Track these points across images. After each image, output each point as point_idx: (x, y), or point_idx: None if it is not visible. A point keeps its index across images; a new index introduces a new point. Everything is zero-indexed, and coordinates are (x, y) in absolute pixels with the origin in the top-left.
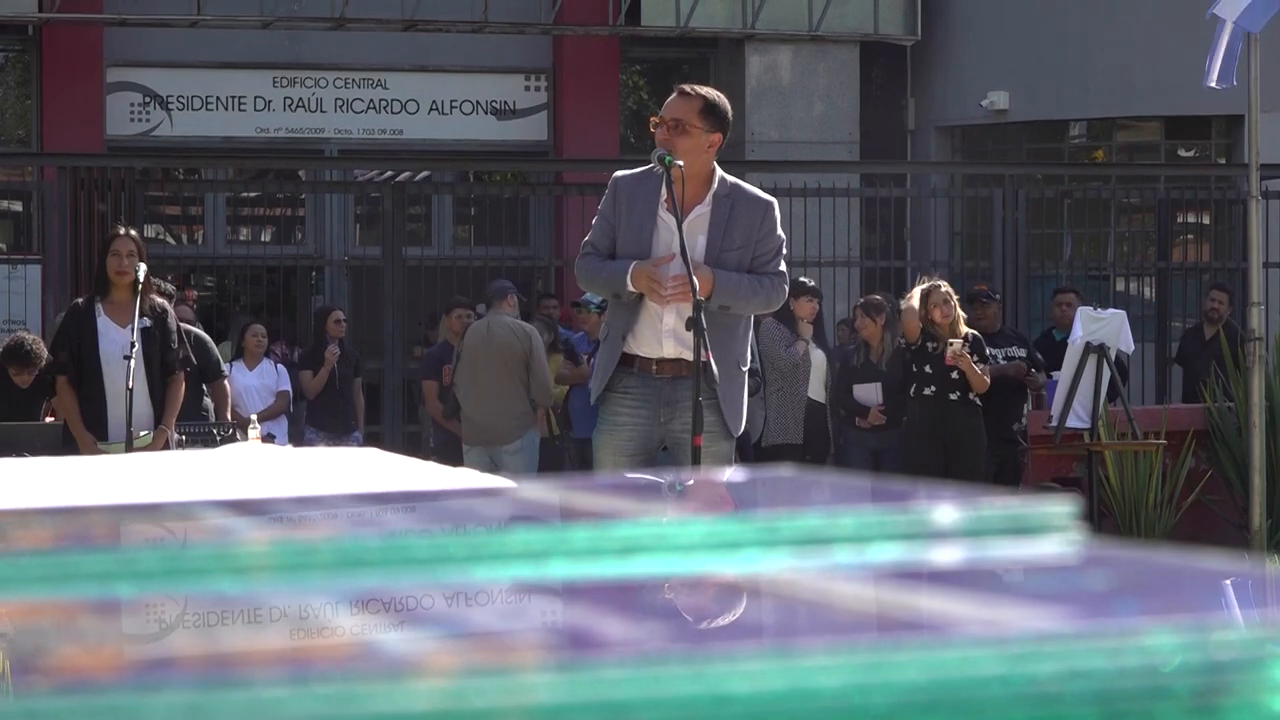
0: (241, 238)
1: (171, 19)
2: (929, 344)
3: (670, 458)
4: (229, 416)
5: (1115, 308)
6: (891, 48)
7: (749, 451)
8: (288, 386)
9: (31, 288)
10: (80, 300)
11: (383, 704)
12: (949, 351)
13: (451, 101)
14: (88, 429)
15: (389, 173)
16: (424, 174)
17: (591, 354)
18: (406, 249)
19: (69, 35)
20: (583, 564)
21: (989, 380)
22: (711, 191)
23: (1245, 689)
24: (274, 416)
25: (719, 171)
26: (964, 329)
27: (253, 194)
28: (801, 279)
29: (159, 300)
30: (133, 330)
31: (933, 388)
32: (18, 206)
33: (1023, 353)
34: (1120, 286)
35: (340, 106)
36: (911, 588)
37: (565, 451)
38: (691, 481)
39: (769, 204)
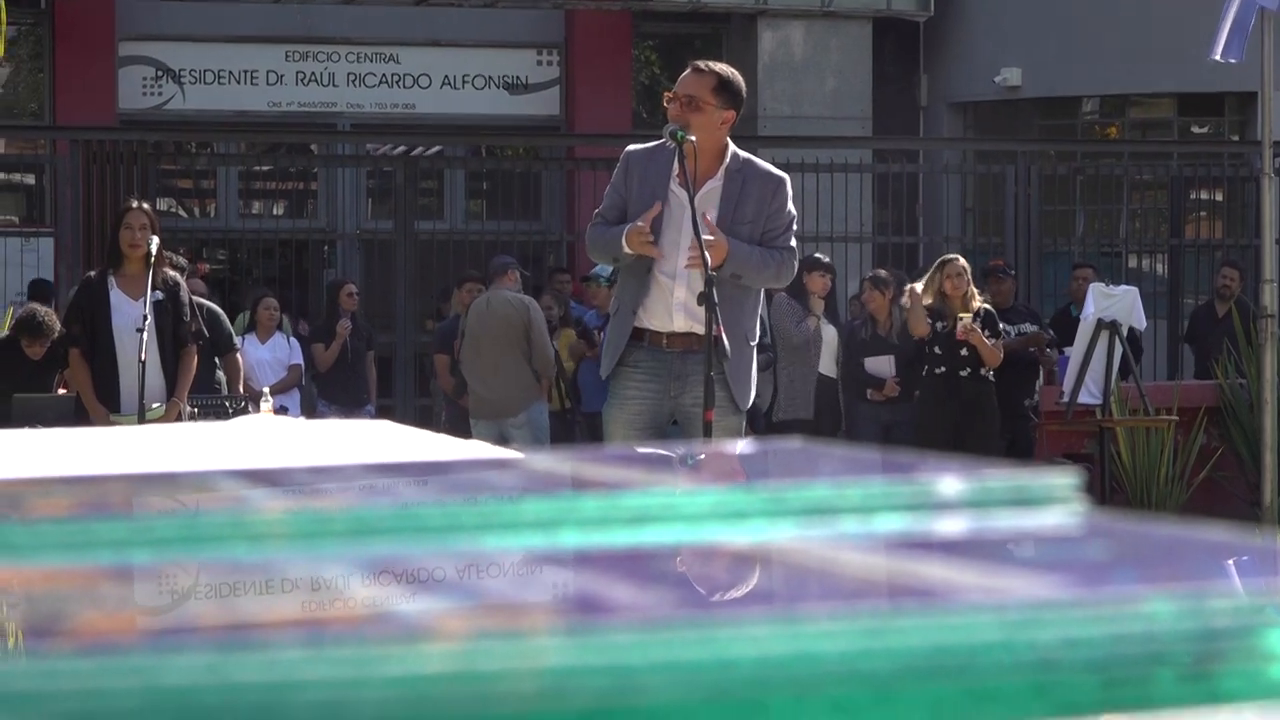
0: (254, 211)
1: None
2: (938, 323)
3: (680, 432)
4: (241, 390)
5: (1127, 284)
6: (904, 24)
7: (760, 426)
8: (300, 360)
9: (44, 260)
10: (93, 273)
11: (395, 667)
12: (959, 326)
13: (464, 76)
14: (100, 401)
15: (401, 147)
16: (436, 148)
17: (602, 328)
18: (419, 223)
19: (81, 9)
20: (592, 533)
21: (1001, 354)
22: (723, 167)
23: (1243, 656)
24: (286, 390)
25: (731, 147)
26: (976, 303)
27: (265, 168)
28: (815, 254)
29: (171, 273)
30: (145, 303)
31: (943, 367)
32: (30, 179)
33: (1034, 328)
34: (1132, 263)
35: (352, 81)
36: (915, 557)
37: (575, 425)
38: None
39: (780, 179)
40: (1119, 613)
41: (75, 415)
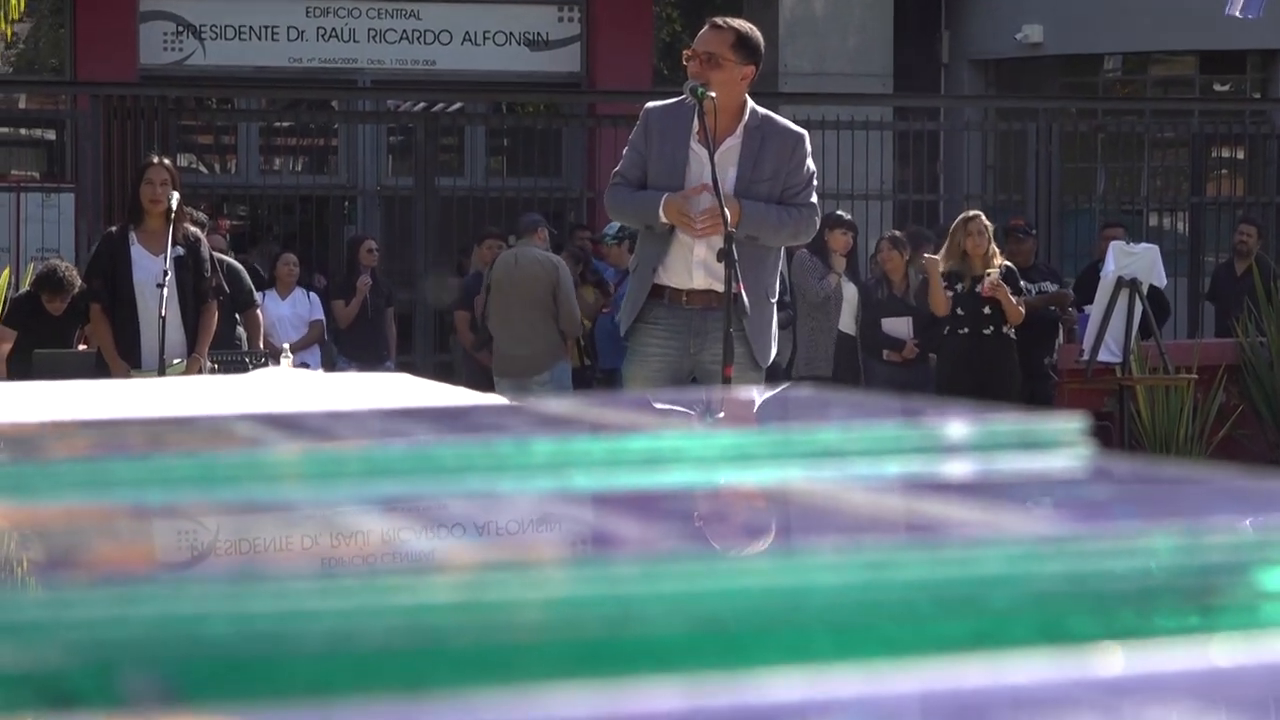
0: (274, 167)
1: None
2: (958, 285)
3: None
4: (261, 345)
5: (1148, 242)
6: None
7: (780, 383)
8: (321, 315)
9: (65, 216)
10: (114, 229)
11: (404, 597)
12: (986, 282)
13: (484, 32)
14: (121, 357)
15: (422, 103)
16: (457, 105)
17: (619, 284)
18: (439, 179)
19: None
20: (602, 475)
21: (1024, 312)
22: (743, 124)
23: (1241, 592)
24: (309, 346)
25: (750, 104)
26: (998, 261)
27: (286, 124)
28: (837, 212)
29: (192, 229)
30: (166, 259)
31: (966, 328)
32: (51, 135)
33: (1054, 287)
34: (1153, 221)
35: (373, 37)
36: (921, 497)
37: (594, 381)
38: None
39: (800, 136)
40: (1119, 548)
41: (96, 370)
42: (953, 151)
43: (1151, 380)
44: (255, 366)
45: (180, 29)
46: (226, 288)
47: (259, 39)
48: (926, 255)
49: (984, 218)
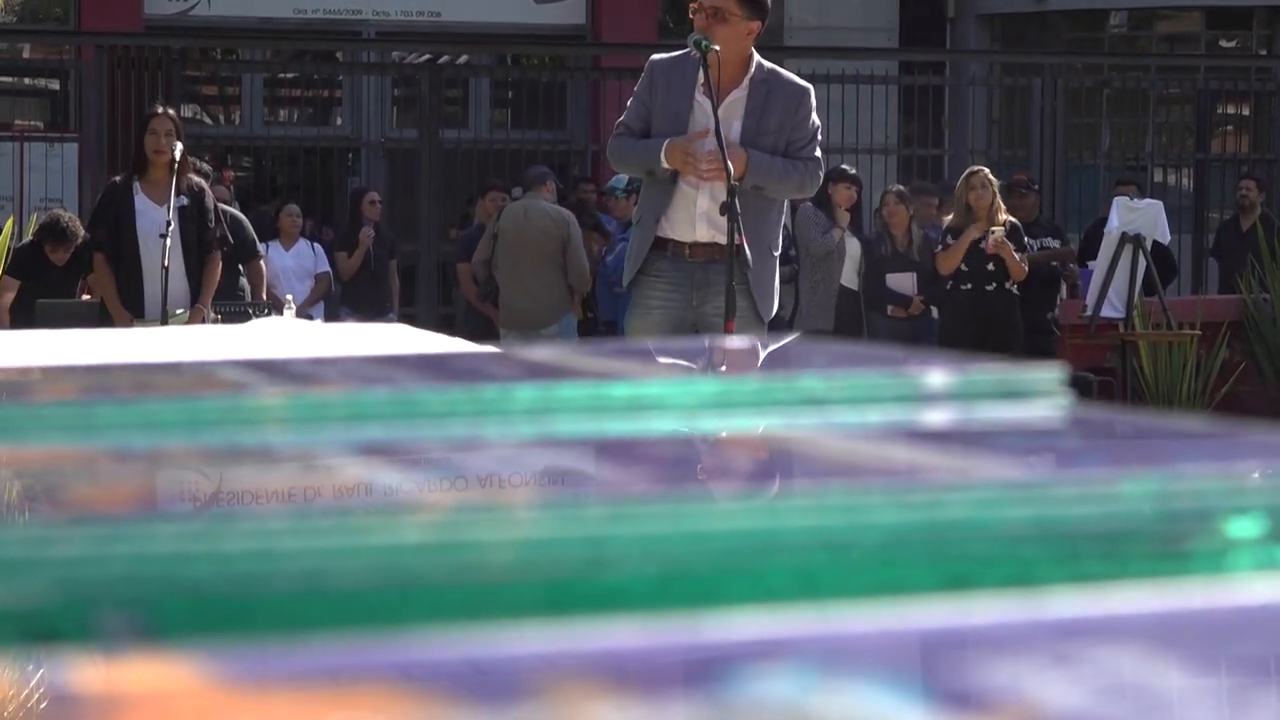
0: (279, 119)
1: None
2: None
3: None
4: (265, 296)
5: (1152, 198)
6: None
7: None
8: (327, 268)
9: (68, 166)
10: (118, 179)
11: (378, 536)
12: (990, 239)
13: None
14: (124, 307)
15: (426, 55)
16: (461, 57)
17: (621, 234)
18: (443, 132)
19: None
20: (583, 421)
21: (1027, 268)
22: (748, 77)
23: (1210, 539)
24: (316, 302)
25: (756, 58)
26: (1002, 216)
27: (290, 75)
28: (842, 166)
29: (196, 179)
30: (169, 209)
31: (969, 284)
32: (55, 85)
33: (1057, 243)
34: (1158, 177)
35: None
36: (897, 444)
37: (599, 333)
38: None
39: (805, 90)
40: (1088, 494)
41: (99, 320)
42: (958, 107)
43: (1154, 336)
44: (258, 317)
45: None
46: (230, 238)
47: None
48: (994, 228)
49: (988, 173)
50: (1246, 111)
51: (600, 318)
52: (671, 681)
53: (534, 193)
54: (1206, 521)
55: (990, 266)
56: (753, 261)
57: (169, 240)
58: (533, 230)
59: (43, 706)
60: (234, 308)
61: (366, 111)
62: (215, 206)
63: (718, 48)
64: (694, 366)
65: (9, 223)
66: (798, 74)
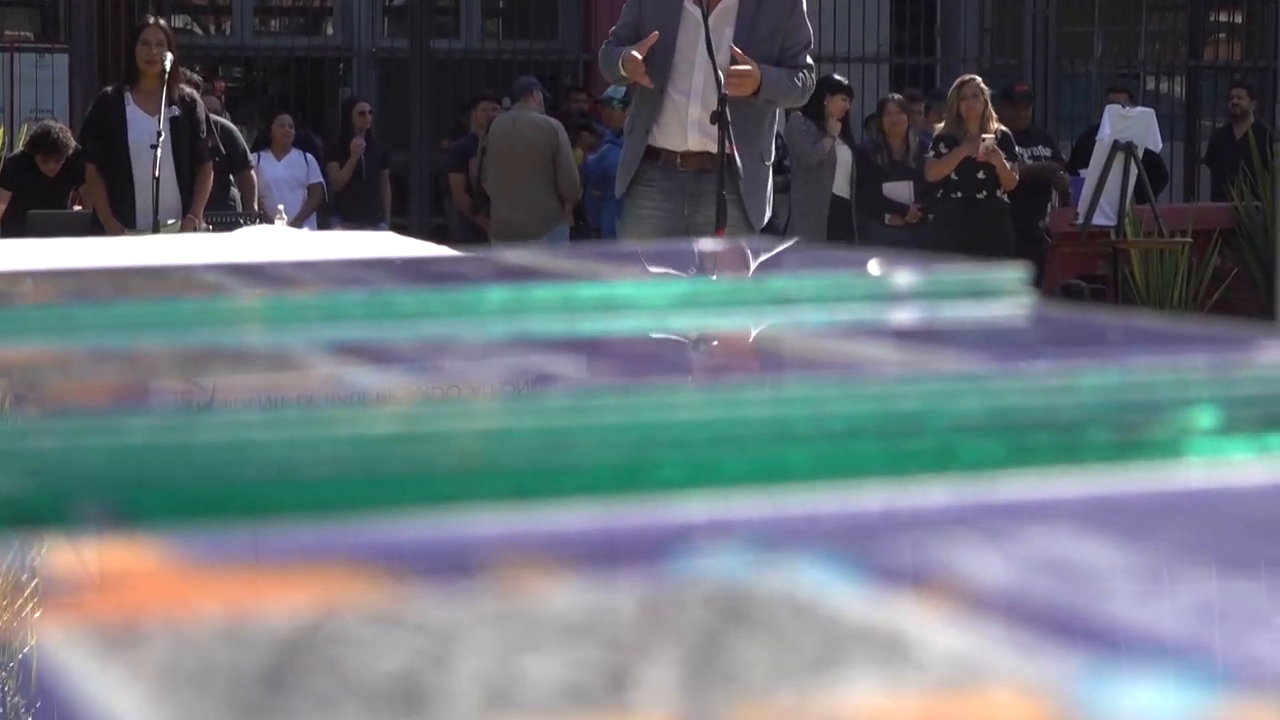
0: (270, 29)
1: None
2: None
3: None
4: (256, 207)
5: (1145, 106)
6: None
7: None
8: (320, 179)
9: (59, 77)
10: (109, 89)
11: (343, 429)
12: (981, 147)
13: None
14: (116, 217)
15: None
16: None
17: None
18: (435, 41)
19: None
20: (552, 320)
21: (1017, 177)
22: None
23: (1163, 428)
24: (310, 213)
25: None
26: (994, 125)
27: None
28: (835, 76)
29: (187, 90)
30: (161, 119)
31: (959, 193)
32: None
33: (1048, 152)
34: (1150, 85)
35: None
36: (857, 341)
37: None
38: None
39: None
40: (1042, 385)
41: (91, 230)
42: (950, 14)
43: (1146, 244)
44: (249, 227)
45: None
46: (221, 149)
47: None
48: (985, 136)
49: (979, 81)
50: (1239, 19)
51: (590, 224)
52: (627, 561)
53: (522, 104)
54: (1159, 413)
55: (980, 175)
56: (744, 170)
57: (160, 151)
58: (521, 141)
59: (23, 589)
60: (225, 218)
61: (358, 21)
62: (207, 117)
63: None
64: (665, 269)
65: (0, 134)
66: None
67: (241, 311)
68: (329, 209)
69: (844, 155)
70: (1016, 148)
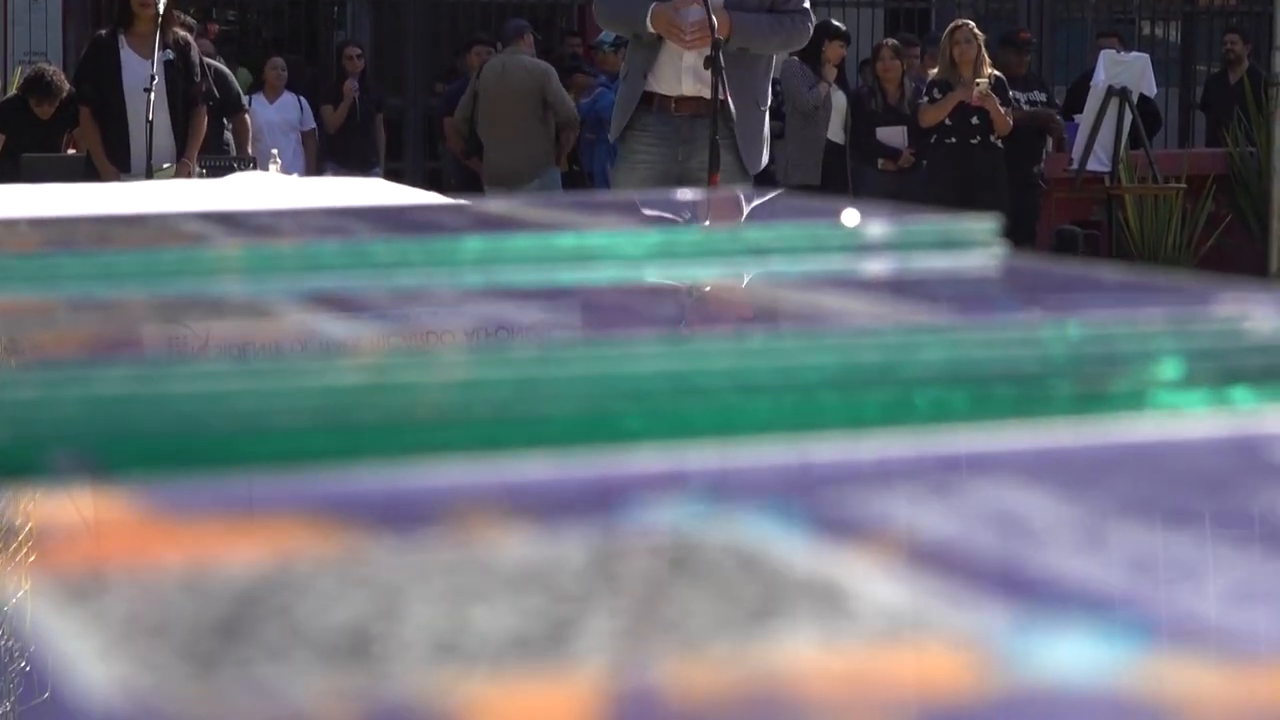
0: None
1: None
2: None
3: None
4: (250, 150)
5: (1139, 51)
6: None
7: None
8: (313, 124)
9: (52, 20)
10: (103, 32)
11: (313, 380)
12: (975, 92)
13: None
14: (110, 161)
15: None
16: None
17: (609, 85)
18: None
19: None
20: (528, 271)
21: (1011, 123)
22: None
23: (1127, 380)
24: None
25: None
26: (987, 70)
27: None
28: (832, 21)
29: (181, 33)
30: (155, 63)
31: (953, 138)
32: None
33: (1043, 97)
34: (1145, 30)
35: None
36: (825, 292)
37: (585, 186)
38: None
39: None
40: (1006, 337)
41: (85, 174)
42: None
43: (1140, 189)
44: (242, 171)
45: None
46: (215, 92)
47: None
48: (979, 80)
49: (973, 26)
50: None
51: (584, 169)
52: (581, 512)
53: (513, 47)
54: (1122, 365)
55: (975, 120)
56: (738, 116)
57: (154, 94)
58: (511, 85)
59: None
60: (219, 162)
61: None
62: (200, 60)
63: None
64: (638, 219)
65: None
66: None
67: (217, 261)
68: (323, 153)
69: (839, 101)
70: (1013, 93)
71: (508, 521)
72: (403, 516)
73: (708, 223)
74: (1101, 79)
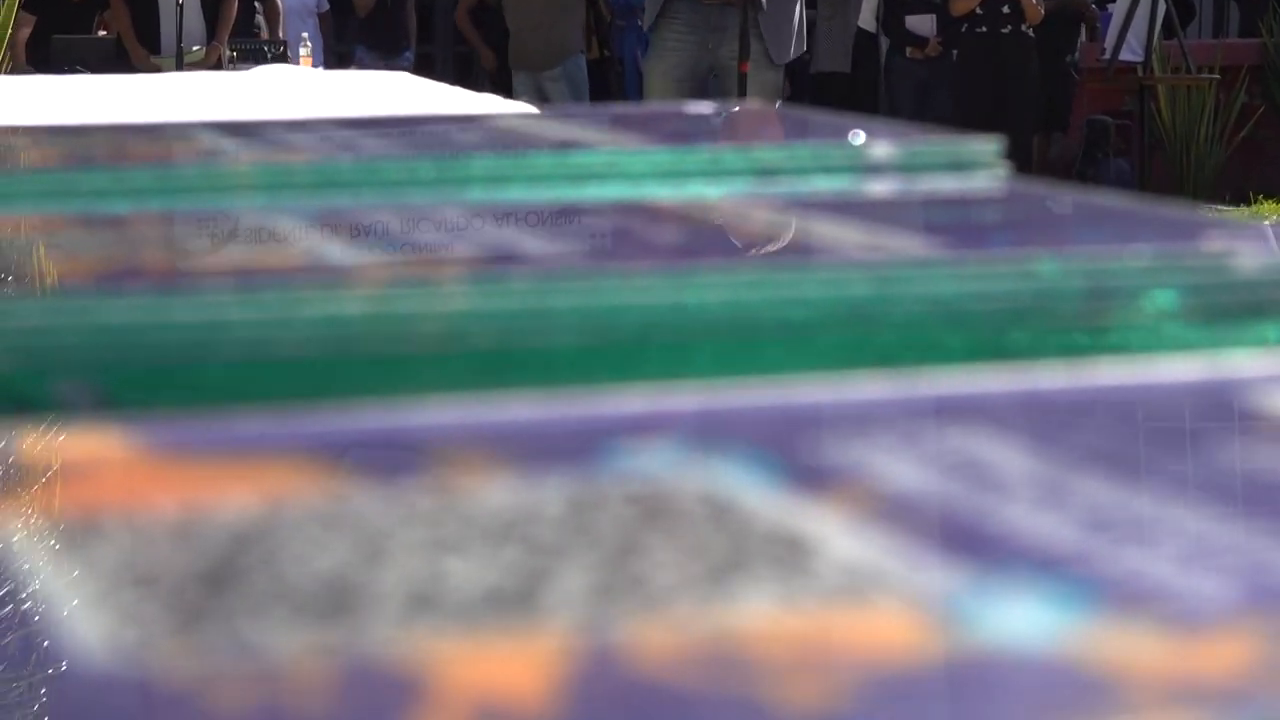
0: None
1: None
2: None
3: (719, 85)
4: (281, 34)
5: None
6: None
7: (804, 80)
8: (327, 6)
9: None
10: None
11: (315, 309)
12: None
13: None
14: (140, 43)
15: None
16: None
17: None
18: None
19: None
20: (533, 189)
21: (1042, 10)
22: None
23: (1129, 314)
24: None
25: None
26: None
27: None
28: None
29: None
30: None
31: (983, 27)
32: None
33: None
34: None
35: None
36: (823, 218)
37: (612, 74)
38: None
39: None
40: (1001, 271)
41: (115, 56)
42: None
43: (1173, 80)
44: (273, 56)
45: None
46: None
47: None
48: None
49: None
50: None
51: (614, 54)
52: (557, 456)
53: None
54: (1121, 299)
55: (1005, 9)
56: (767, 4)
57: None
58: None
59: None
60: (249, 45)
61: None
62: None
63: None
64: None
65: None
66: None
67: (224, 178)
68: (354, 36)
69: None
70: None
71: (490, 466)
72: (392, 459)
73: (703, 141)
74: None
